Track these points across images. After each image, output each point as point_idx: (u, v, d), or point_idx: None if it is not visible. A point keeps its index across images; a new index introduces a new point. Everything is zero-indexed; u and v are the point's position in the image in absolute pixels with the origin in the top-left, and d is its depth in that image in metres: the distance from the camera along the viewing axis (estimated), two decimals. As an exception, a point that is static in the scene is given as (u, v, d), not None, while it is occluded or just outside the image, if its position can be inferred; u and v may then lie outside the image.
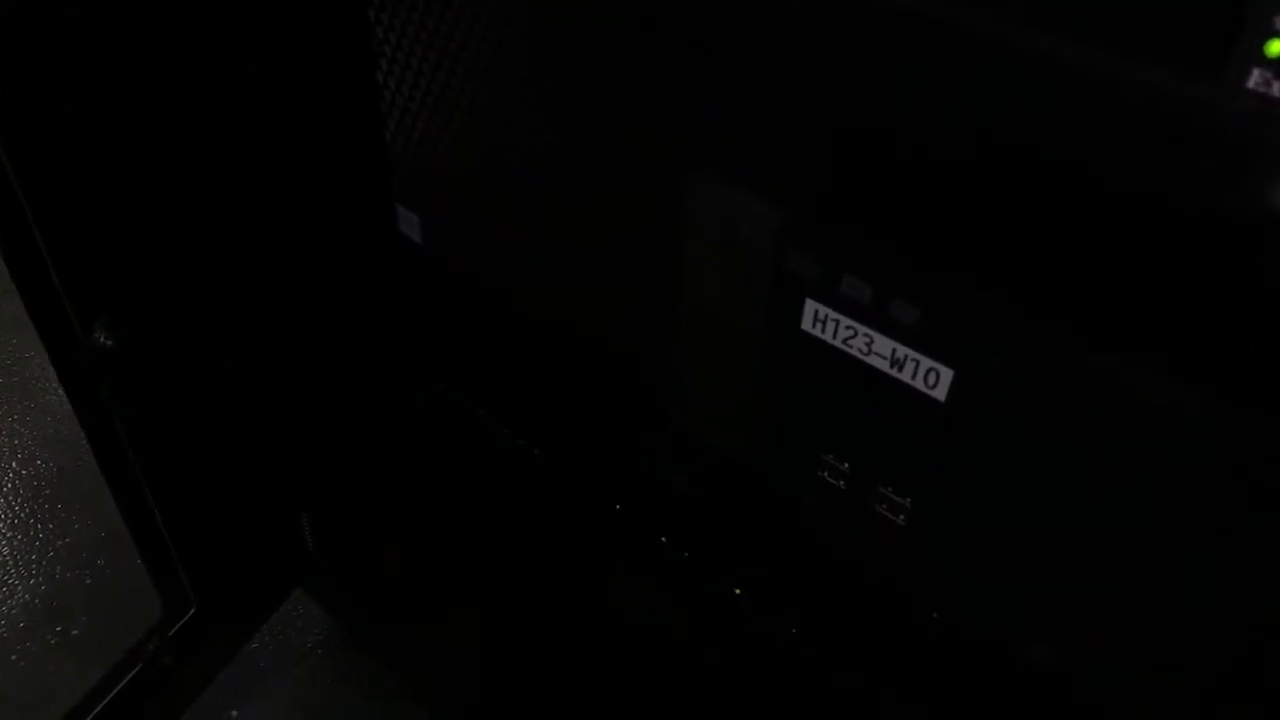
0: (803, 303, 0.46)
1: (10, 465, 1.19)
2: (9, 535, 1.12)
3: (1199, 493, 0.38)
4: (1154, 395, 0.38)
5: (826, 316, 0.46)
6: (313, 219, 0.69)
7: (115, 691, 0.76)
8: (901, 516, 0.50)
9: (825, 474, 0.52)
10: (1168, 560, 0.40)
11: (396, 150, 0.63)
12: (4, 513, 1.14)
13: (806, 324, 0.47)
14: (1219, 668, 0.42)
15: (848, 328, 0.45)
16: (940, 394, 0.44)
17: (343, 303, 0.73)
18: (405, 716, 0.95)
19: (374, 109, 0.62)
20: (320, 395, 0.78)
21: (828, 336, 0.46)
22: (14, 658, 1.01)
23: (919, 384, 0.44)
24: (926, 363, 0.43)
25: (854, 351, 0.46)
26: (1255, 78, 0.30)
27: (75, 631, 1.03)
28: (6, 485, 1.17)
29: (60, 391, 0.65)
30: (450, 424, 0.77)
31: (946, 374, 0.43)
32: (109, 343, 0.62)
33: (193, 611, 0.81)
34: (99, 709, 0.76)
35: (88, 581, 1.08)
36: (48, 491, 1.17)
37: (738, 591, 0.61)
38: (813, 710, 0.58)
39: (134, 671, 0.78)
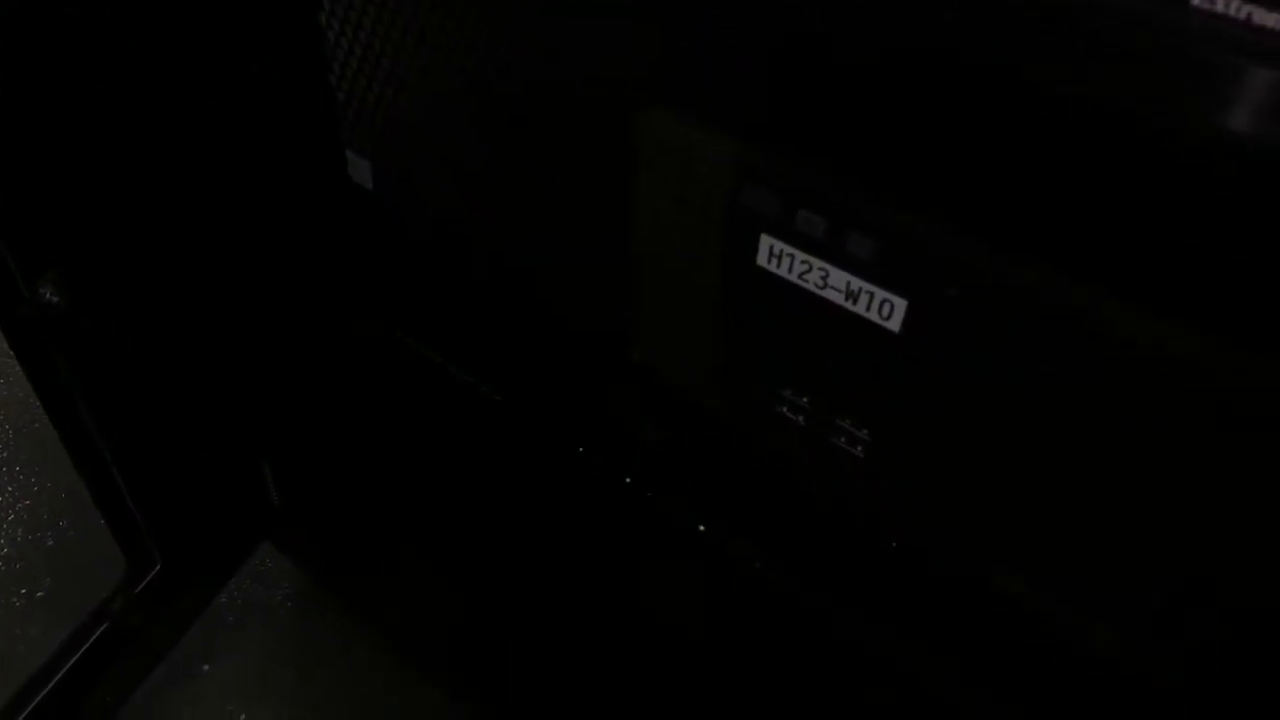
0: (758, 238, 0.46)
1: (-36, 429, 1.17)
2: (-33, 499, 1.10)
3: (1151, 416, 0.39)
4: (1105, 321, 0.38)
5: (782, 251, 0.46)
6: (262, 166, 0.67)
7: (82, 650, 0.76)
8: (860, 449, 0.50)
9: (785, 409, 0.52)
10: (1122, 484, 0.41)
11: (343, 96, 0.62)
12: (-40, 477, 1.12)
13: (762, 259, 0.47)
14: (1174, 592, 0.43)
15: (803, 262, 0.45)
16: (895, 325, 0.44)
17: (297, 251, 0.72)
18: (377, 666, 0.96)
19: (318, 53, 0.61)
20: (278, 345, 0.77)
21: (783, 271, 0.46)
22: (-21, 621, 1.00)
23: (874, 316, 0.44)
24: (881, 294, 0.44)
25: (810, 286, 0.46)
26: (1199, -4, 0.30)
27: (40, 594, 1.02)
28: (-39, 449, 1.15)
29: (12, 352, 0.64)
30: (412, 372, 0.77)
31: (900, 305, 0.43)
32: (57, 300, 0.61)
33: (158, 568, 0.81)
34: (67, 668, 0.76)
35: (50, 543, 1.07)
36: (5, 454, 1.15)
37: (701, 528, 0.62)
38: (780, 640, 0.59)
39: (100, 630, 0.78)
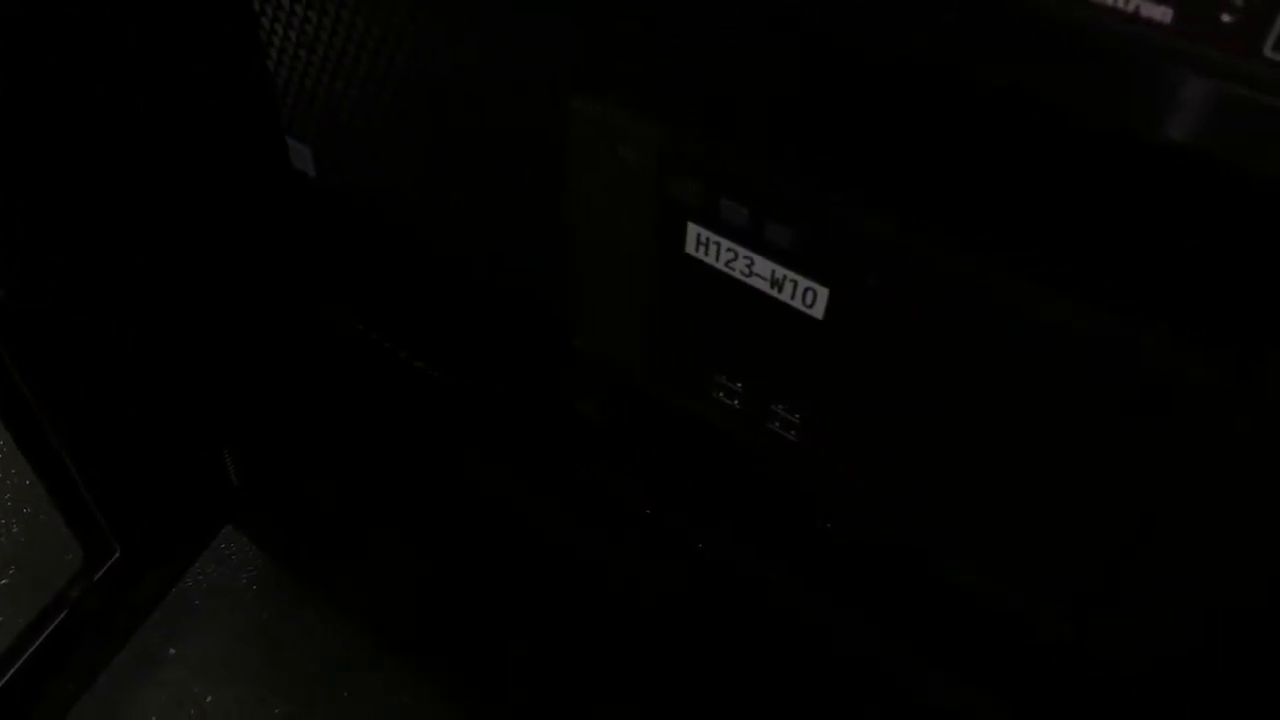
0: (685, 227, 0.46)
1: (-74, 417, 1.16)
2: (-70, 488, 1.10)
3: (1067, 394, 0.39)
4: (1017, 303, 0.38)
5: (708, 240, 0.46)
6: (200, 153, 0.67)
7: (41, 638, 0.76)
8: (793, 432, 0.51)
9: (720, 394, 0.53)
10: (1042, 461, 0.42)
11: (281, 83, 0.62)
12: (-77, 465, 1.12)
13: (690, 247, 0.47)
14: (1100, 568, 0.44)
15: (729, 250, 0.46)
16: (818, 312, 0.44)
17: (243, 238, 0.71)
18: (344, 647, 0.97)
19: (254, 39, 0.60)
20: (227, 330, 0.77)
21: (711, 259, 0.47)
22: (-57, 609, 1.00)
23: (798, 303, 0.45)
24: (804, 283, 0.44)
25: (736, 273, 0.46)
26: (1095, -11, 0.30)
27: (4, 581, 1.02)
28: (-77, 437, 1.15)
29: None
30: (365, 355, 0.77)
31: (822, 293, 0.43)
32: (-2, 293, 0.60)
33: (116, 555, 0.81)
34: (26, 656, 0.76)
35: (15, 530, 1.07)
36: (-33, 442, 1.15)
37: (648, 511, 0.62)
38: (720, 616, 0.60)
39: (60, 618, 0.78)
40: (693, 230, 0.46)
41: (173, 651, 0.97)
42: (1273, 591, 0.38)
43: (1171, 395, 0.35)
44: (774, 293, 0.45)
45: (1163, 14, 0.29)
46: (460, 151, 0.56)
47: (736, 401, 0.52)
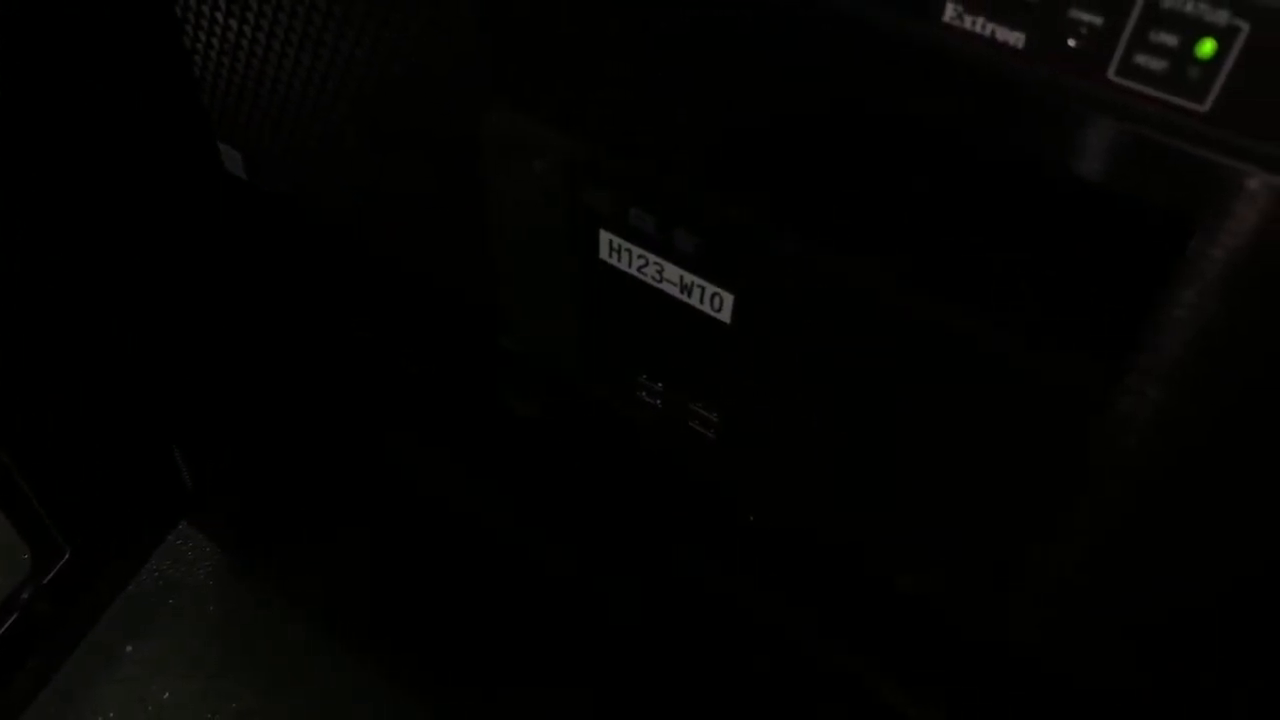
0: (598, 234, 0.47)
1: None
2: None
3: (968, 398, 0.41)
4: (914, 306, 0.40)
5: (620, 246, 0.47)
6: (135, 158, 0.67)
7: (-8, 641, 0.77)
8: (712, 431, 0.52)
9: (643, 394, 0.54)
10: (934, 452, 0.43)
11: (209, 89, 0.62)
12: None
13: (604, 254, 0.48)
14: (1003, 558, 0.45)
15: (639, 257, 0.47)
16: (726, 317, 0.45)
17: (179, 238, 0.72)
18: (303, 640, 0.98)
19: (179, 47, 0.60)
20: (171, 330, 0.77)
21: (624, 265, 0.48)
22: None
23: (706, 308, 0.46)
24: (710, 288, 0.45)
25: (648, 279, 0.47)
26: (949, 11, 0.31)
27: (-40, 582, 1.02)
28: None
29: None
30: (310, 351, 0.77)
31: (728, 298, 0.45)
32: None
33: (66, 557, 0.82)
34: (-23, 659, 0.77)
35: (-29, 531, 1.07)
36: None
37: (582, 503, 0.63)
38: (650, 600, 0.62)
39: (10, 621, 0.79)
40: (605, 237, 0.47)
41: (130, 648, 0.98)
42: (1142, 572, 0.40)
43: (1036, 396, 0.37)
44: (684, 298, 0.46)
45: (1015, 39, 0.30)
46: (385, 155, 0.56)
47: (658, 401, 0.53)
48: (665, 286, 0.47)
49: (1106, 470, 0.37)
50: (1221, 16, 0.26)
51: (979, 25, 0.31)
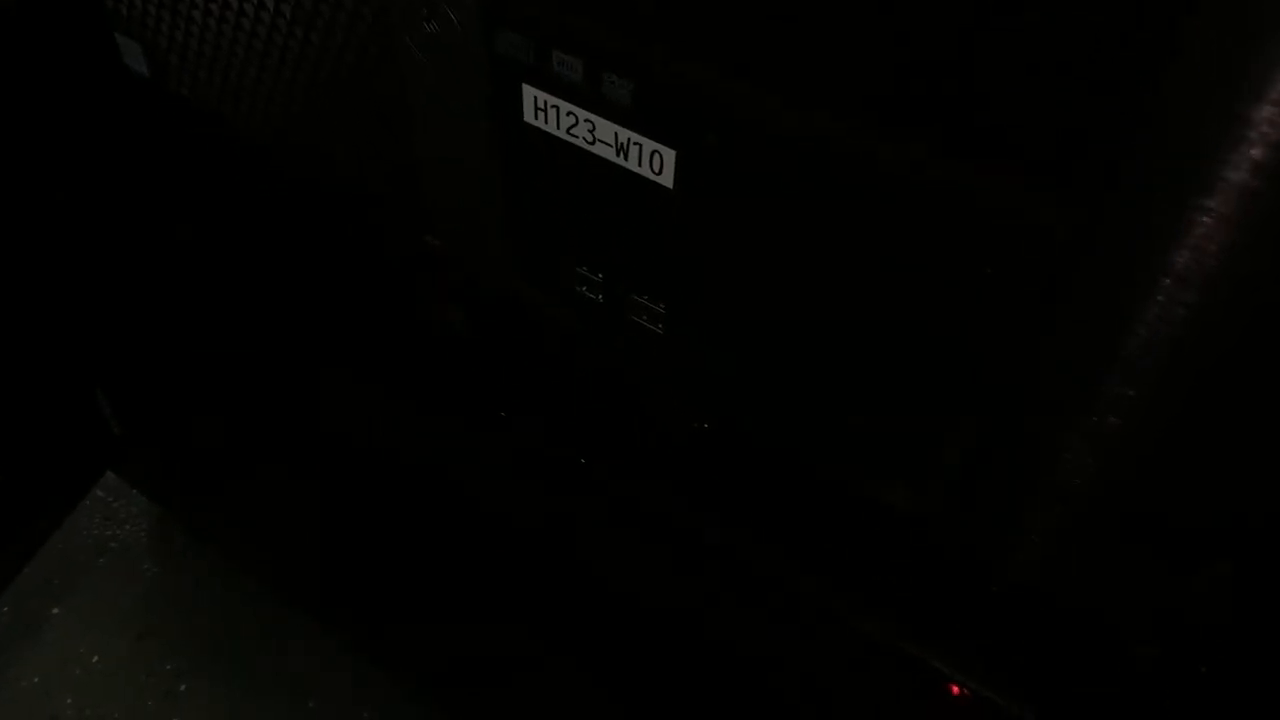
0: (520, 90, 0.41)
1: None
2: None
3: (930, 263, 0.35)
4: (871, 159, 0.34)
5: (546, 104, 0.41)
6: (18, 54, 0.60)
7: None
8: (660, 325, 0.46)
9: (583, 288, 0.48)
10: (907, 338, 0.38)
11: (98, -34, 0.56)
12: None
13: (529, 115, 0.42)
14: (968, 450, 0.40)
15: (568, 114, 0.41)
16: (667, 180, 0.40)
17: (73, 143, 0.65)
18: (237, 599, 0.92)
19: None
20: (73, 251, 0.71)
21: (551, 127, 0.42)
22: None
23: (646, 171, 0.40)
24: (649, 145, 0.39)
25: (579, 141, 0.41)
26: None
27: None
28: None
29: None
30: (227, 274, 0.71)
31: (669, 155, 0.39)
32: None
33: (-24, 508, 0.75)
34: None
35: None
36: None
37: (518, 427, 0.58)
38: (591, 523, 0.56)
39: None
40: (529, 94, 0.41)
41: (56, 611, 0.92)
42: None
43: (1010, 242, 0.32)
44: (620, 160, 0.41)
45: None
46: (289, 38, 0.50)
47: (600, 295, 0.48)
48: (599, 149, 0.41)
49: (1084, 343, 0.32)
50: None
51: None
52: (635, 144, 0.40)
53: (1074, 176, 0.31)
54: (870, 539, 0.48)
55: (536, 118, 0.42)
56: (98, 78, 0.61)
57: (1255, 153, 0.27)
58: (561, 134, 0.42)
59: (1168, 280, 0.30)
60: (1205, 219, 0.29)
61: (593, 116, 0.40)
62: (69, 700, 0.86)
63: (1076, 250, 0.32)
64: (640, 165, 0.40)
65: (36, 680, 0.88)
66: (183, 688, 0.87)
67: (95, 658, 0.89)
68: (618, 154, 0.40)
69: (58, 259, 0.71)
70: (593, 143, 0.41)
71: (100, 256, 0.72)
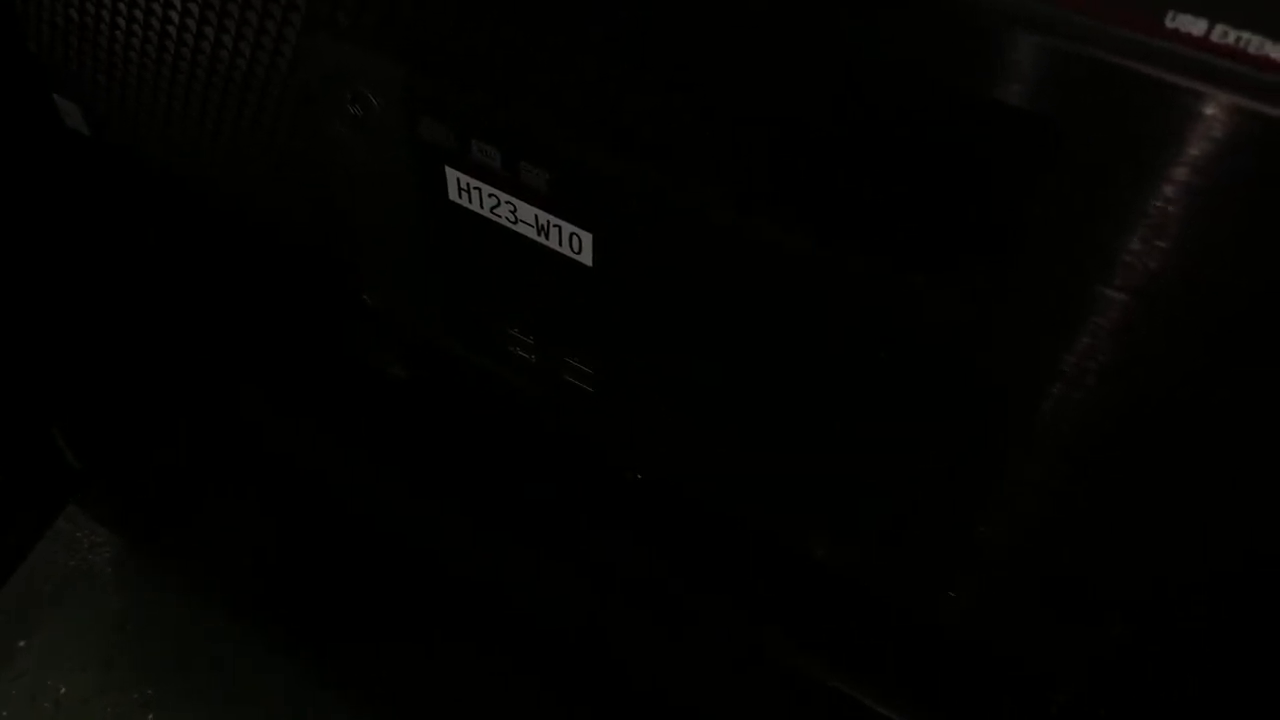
0: (444, 172, 0.43)
1: None
2: None
3: (837, 332, 0.37)
4: (777, 242, 0.36)
5: (469, 185, 0.43)
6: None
7: None
8: (590, 384, 0.48)
9: (516, 348, 0.50)
10: (815, 403, 0.40)
11: (35, 41, 0.56)
12: None
13: (454, 194, 0.44)
14: (892, 498, 0.42)
15: (490, 195, 0.42)
16: (586, 259, 0.41)
17: (23, 207, 0.66)
18: (207, 627, 0.93)
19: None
20: (23, 299, 0.71)
21: (475, 206, 0.43)
22: None
23: (566, 250, 0.42)
24: (568, 228, 0.41)
25: (503, 220, 0.43)
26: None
27: None
28: None
29: None
30: (184, 320, 0.72)
31: (587, 237, 0.40)
32: None
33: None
34: None
35: None
36: None
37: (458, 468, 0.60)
38: (542, 565, 0.58)
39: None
40: (452, 175, 0.43)
41: (22, 643, 0.93)
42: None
43: (914, 330, 0.34)
44: (542, 239, 0.42)
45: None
46: (230, 103, 0.51)
47: (532, 355, 0.49)
48: (521, 228, 0.42)
49: (993, 410, 0.34)
50: None
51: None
52: (555, 225, 0.41)
53: (963, 265, 0.33)
54: (801, 584, 0.50)
55: (460, 197, 0.43)
56: (40, 136, 0.62)
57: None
58: (485, 213, 0.43)
59: (1070, 358, 0.32)
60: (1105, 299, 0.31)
61: (513, 199, 0.41)
62: (38, 734, 0.87)
63: (969, 337, 0.34)
64: (560, 245, 0.42)
65: (5, 715, 0.89)
66: (151, 717, 0.88)
67: (63, 689, 0.90)
68: (539, 234, 0.42)
69: (8, 304, 0.71)
70: (515, 222, 0.42)
71: (52, 301, 0.73)
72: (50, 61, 0.57)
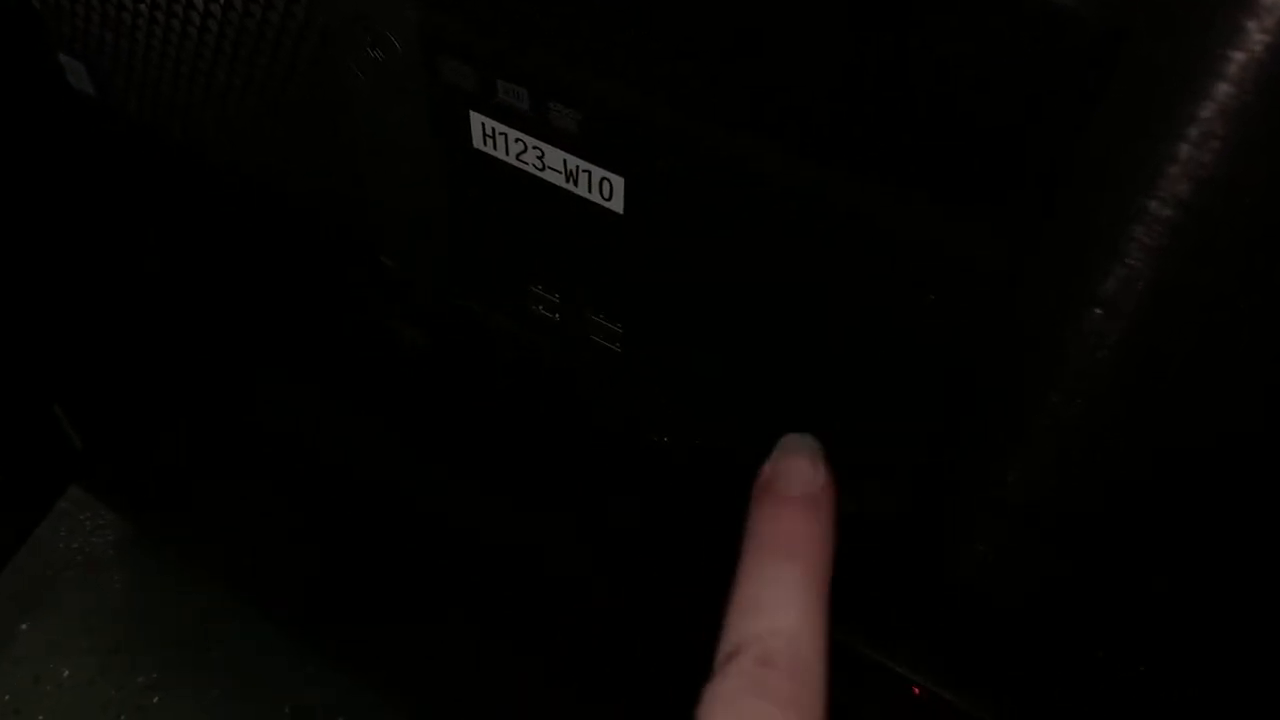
0: (467, 117, 0.41)
1: None
2: None
3: (877, 281, 0.36)
4: (811, 186, 0.34)
5: (494, 130, 0.41)
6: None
7: None
8: (617, 344, 0.46)
9: (539, 307, 0.48)
10: (860, 350, 0.38)
11: (36, -14, 0.54)
12: None
13: (478, 141, 0.42)
14: (918, 459, 0.41)
15: (517, 141, 0.41)
16: (617, 206, 0.40)
17: (22, 164, 0.64)
18: (211, 613, 0.91)
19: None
20: (23, 270, 0.70)
21: (501, 153, 0.42)
22: None
23: (596, 197, 0.40)
24: (598, 172, 0.39)
25: (529, 167, 0.41)
26: None
27: None
28: None
29: None
30: (194, 292, 0.71)
31: (618, 182, 0.39)
32: None
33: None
34: None
35: None
36: None
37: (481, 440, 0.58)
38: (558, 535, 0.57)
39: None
40: (476, 120, 0.41)
41: (25, 626, 0.91)
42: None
43: (956, 273, 0.32)
44: (571, 187, 0.41)
45: None
46: (234, 60, 0.50)
47: (556, 314, 0.48)
48: (549, 175, 0.41)
49: (1037, 360, 0.33)
50: None
51: None
52: (584, 171, 0.39)
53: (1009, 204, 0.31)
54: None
55: (485, 144, 0.42)
56: (43, 97, 0.60)
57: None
58: (511, 160, 0.41)
59: (1098, 310, 0.31)
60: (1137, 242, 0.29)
61: (541, 144, 0.40)
62: (41, 717, 0.85)
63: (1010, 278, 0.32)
64: (590, 191, 0.40)
65: (8, 698, 0.87)
66: (155, 700, 0.86)
67: (66, 672, 0.88)
68: (567, 180, 0.40)
69: (8, 276, 0.70)
70: (542, 169, 0.41)
71: (54, 274, 0.71)
72: (54, 16, 0.55)
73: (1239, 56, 0.25)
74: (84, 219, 0.70)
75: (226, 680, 0.87)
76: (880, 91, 0.30)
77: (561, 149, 0.39)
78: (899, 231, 0.33)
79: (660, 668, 0.60)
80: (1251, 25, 0.24)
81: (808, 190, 0.34)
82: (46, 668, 0.88)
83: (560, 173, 0.40)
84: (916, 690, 0.49)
